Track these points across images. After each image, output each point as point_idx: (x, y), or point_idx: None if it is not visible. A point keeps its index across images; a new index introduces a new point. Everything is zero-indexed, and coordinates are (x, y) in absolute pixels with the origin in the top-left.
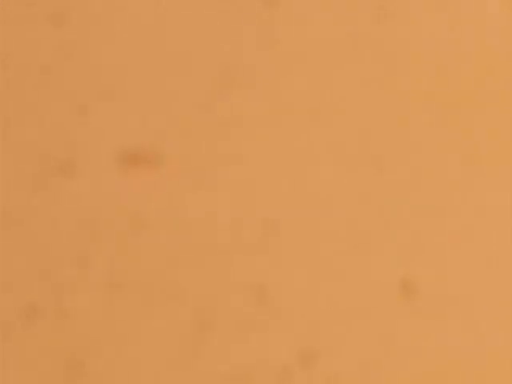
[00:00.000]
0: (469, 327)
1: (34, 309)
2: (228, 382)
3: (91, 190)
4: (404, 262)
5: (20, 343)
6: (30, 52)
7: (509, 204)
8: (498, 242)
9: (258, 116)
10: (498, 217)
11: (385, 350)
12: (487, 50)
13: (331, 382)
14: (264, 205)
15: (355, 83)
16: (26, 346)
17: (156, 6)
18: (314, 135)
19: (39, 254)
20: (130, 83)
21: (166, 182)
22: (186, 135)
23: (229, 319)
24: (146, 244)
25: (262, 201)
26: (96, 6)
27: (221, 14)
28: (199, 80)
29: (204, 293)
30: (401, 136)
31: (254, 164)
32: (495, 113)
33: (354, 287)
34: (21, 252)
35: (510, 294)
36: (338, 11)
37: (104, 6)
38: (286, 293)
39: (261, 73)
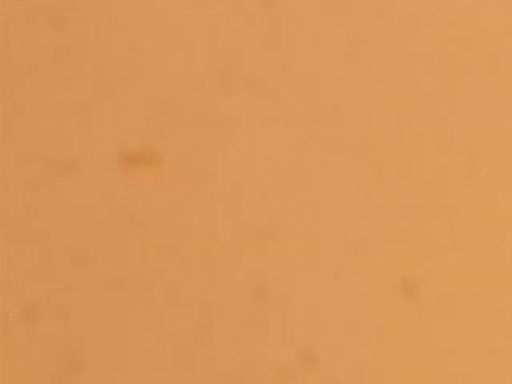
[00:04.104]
0: (469, 327)
1: (34, 309)
2: (228, 382)
3: (91, 190)
4: (405, 262)
5: (20, 343)
6: (30, 52)
7: (509, 204)
8: (499, 242)
9: (258, 116)
10: (499, 217)
11: (385, 349)
12: (488, 48)
13: (331, 382)
14: (264, 205)
15: (355, 83)
16: (25, 345)
17: (156, 6)
18: (314, 135)
19: (39, 253)
20: (130, 83)
21: (166, 182)
22: (185, 135)
23: (229, 319)
24: (146, 244)
25: (262, 201)
26: (96, 6)
27: (221, 15)
28: (199, 80)
29: (204, 293)
30: (401, 136)
31: (254, 164)
32: (496, 113)
33: (355, 287)
34: (21, 252)
35: (510, 294)
36: (337, 11)
37: (104, 6)
38: (286, 293)
39: (261, 73)
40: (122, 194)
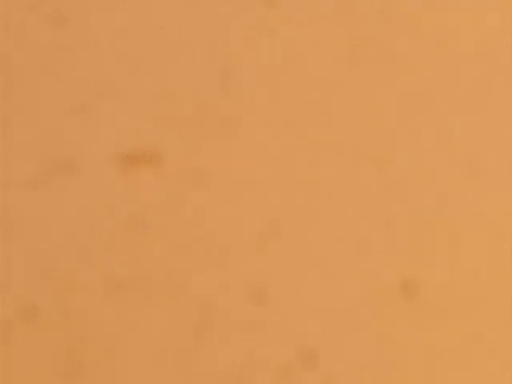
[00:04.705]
0: (469, 327)
1: (34, 308)
2: (228, 382)
3: (91, 190)
4: (405, 263)
5: (20, 343)
6: (30, 52)
7: (509, 204)
8: (499, 242)
9: (258, 116)
10: (499, 217)
11: (385, 349)
12: (488, 49)
13: (331, 381)
14: (264, 205)
15: (355, 83)
16: (25, 345)
17: (156, 6)
18: (313, 135)
19: (39, 253)
20: (130, 83)
21: (166, 182)
22: (185, 135)
23: (229, 319)
24: (146, 244)
25: (262, 201)
26: (96, 6)
27: (221, 15)
28: (199, 80)
29: (204, 293)
30: (401, 136)
31: (254, 164)
32: (496, 113)
33: (355, 287)
34: (21, 252)
35: (510, 294)
36: (339, 13)
37: (104, 6)
38: (286, 292)
39: (261, 73)
40: (121, 194)
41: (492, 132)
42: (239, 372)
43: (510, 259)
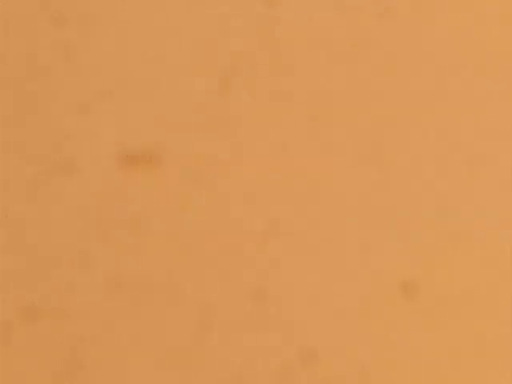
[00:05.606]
0: (469, 327)
1: (34, 309)
2: (228, 382)
3: (91, 190)
4: (405, 263)
5: (20, 343)
6: (30, 52)
7: (509, 204)
8: (499, 242)
9: (258, 116)
10: (499, 217)
11: (385, 349)
12: (488, 49)
13: (331, 381)
14: (264, 205)
15: (355, 82)
16: (25, 345)
17: (156, 6)
18: (314, 135)
19: (39, 253)
20: (130, 83)
21: (166, 182)
22: (185, 135)
23: (229, 319)
24: (146, 244)
25: (261, 201)
26: (96, 6)
27: (221, 15)
28: (199, 80)
29: (204, 293)
30: (401, 136)
31: (254, 164)
32: (497, 113)
33: (355, 287)
34: (21, 252)
35: (510, 294)
36: (337, 12)
37: (104, 5)
38: (286, 293)
39: (261, 73)
40: (121, 194)
41: (493, 132)
42: (239, 372)
43: (510, 259)
